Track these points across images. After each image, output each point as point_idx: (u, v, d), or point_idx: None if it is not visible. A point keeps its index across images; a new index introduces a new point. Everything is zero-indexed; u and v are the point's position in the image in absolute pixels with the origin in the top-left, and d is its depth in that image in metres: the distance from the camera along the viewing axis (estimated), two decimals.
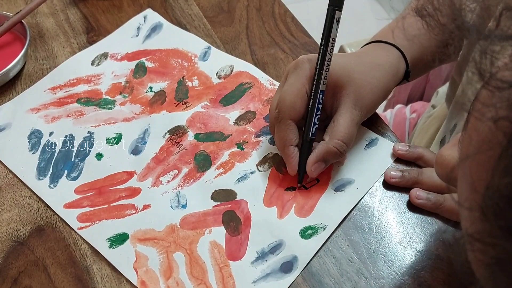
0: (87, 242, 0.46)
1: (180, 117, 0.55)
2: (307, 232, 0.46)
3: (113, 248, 0.46)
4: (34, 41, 0.63)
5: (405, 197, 0.48)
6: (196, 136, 0.53)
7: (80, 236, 0.47)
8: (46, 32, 0.64)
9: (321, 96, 0.46)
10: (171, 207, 0.48)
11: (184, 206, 0.48)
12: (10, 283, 0.44)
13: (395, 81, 0.50)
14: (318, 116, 0.47)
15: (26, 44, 0.59)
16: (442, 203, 0.45)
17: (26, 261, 0.45)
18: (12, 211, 0.49)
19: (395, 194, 0.48)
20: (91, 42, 0.63)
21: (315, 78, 0.46)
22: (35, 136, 0.54)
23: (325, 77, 0.46)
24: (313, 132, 0.47)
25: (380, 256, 0.44)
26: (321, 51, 0.46)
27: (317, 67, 0.46)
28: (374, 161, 0.50)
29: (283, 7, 0.66)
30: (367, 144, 0.51)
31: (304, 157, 0.47)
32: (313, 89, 0.46)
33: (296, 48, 0.61)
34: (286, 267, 0.44)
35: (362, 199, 0.48)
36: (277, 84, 0.57)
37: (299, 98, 0.46)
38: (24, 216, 0.48)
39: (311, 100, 0.47)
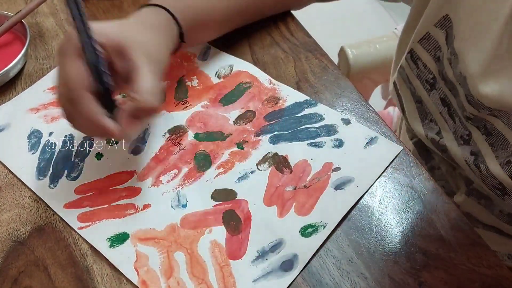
0: (87, 242, 0.46)
1: (180, 117, 0.55)
2: (307, 231, 0.46)
3: (114, 247, 0.46)
4: (34, 40, 0.63)
5: (405, 197, 0.48)
6: (196, 136, 0.53)
7: (80, 236, 0.47)
8: (46, 31, 0.65)
9: (96, 44, 0.43)
10: (172, 206, 0.48)
11: (184, 206, 0.48)
12: (10, 283, 0.44)
13: (172, 41, 0.52)
14: (103, 63, 0.44)
15: (26, 44, 0.59)
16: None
17: (26, 261, 0.45)
18: (12, 211, 0.49)
19: (395, 194, 0.48)
20: None
21: (78, 30, 0.43)
22: (34, 136, 0.54)
23: (88, 25, 0.43)
24: (107, 80, 0.45)
25: (380, 256, 0.44)
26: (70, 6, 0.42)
27: (73, 16, 0.43)
28: (374, 159, 0.50)
29: None
30: (366, 143, 0.51)
31: (110, 109, 0.45)
32: (84, 40, 0.43)
33: (296, 48, 0.61)
34: (287, 265, 0.44)
35: (362, 199, 0.48)
36: (277, 83, 0.57)
37: (82, 68, 0.43)
38: (24, 216, 0.48)
39: (87, 50, 0.43)
